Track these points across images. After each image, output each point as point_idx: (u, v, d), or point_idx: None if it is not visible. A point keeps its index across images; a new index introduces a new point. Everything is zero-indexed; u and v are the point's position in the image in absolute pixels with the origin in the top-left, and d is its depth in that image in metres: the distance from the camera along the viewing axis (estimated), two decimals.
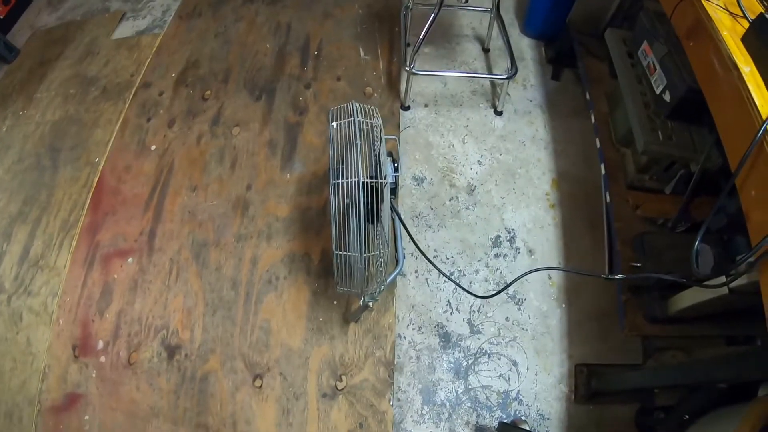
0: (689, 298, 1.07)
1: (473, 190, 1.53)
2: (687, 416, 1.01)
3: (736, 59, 0.75)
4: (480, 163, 1.58)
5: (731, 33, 0.79)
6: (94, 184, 1.63)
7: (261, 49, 1.88)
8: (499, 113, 1.67)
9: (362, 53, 1.81)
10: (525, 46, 1.88)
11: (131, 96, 1.83)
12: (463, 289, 1.19)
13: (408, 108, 1.65)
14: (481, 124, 1.67)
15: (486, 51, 1.83)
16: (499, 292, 1.19)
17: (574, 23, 1.71)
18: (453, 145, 1.61)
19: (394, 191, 1.13)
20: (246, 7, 2.05)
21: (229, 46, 1.91)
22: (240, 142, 1.64)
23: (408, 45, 1.74)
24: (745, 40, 0.78)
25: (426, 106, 1.69)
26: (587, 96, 1.59)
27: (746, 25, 0.80)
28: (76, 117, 1.84)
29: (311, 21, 1.94)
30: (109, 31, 2.12)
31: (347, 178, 0.94)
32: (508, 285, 1.16)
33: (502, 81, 1.62)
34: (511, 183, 1.55)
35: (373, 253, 1.00)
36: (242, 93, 1.76)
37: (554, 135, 1.65)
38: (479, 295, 1.21)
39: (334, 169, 0.98)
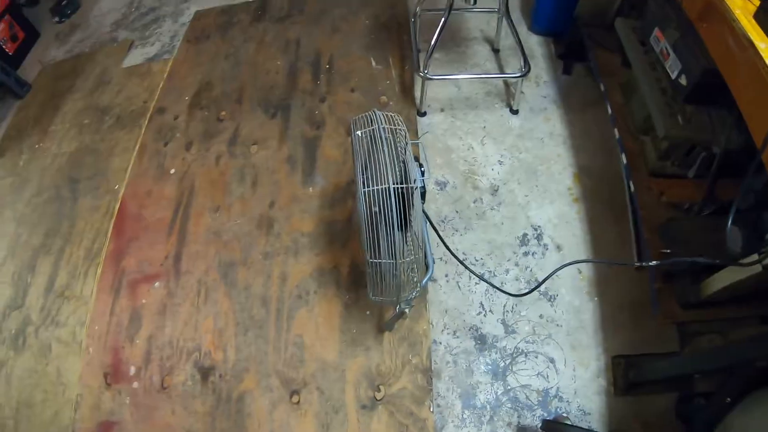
0: (723, 279, 1.09)
1: (496, 191, 1.58)
2: (728, 399, 1.04)
3: (751, 37, 0.80)
4: (501, 163, 1.64)
5: (743, 11, 0.84)
6: (116, 211, 1.71)
7: (272, 67, 1.97)
8: (515, 112, 1.73)
9: (374, 63, 1.89)
10: (534, 43, 1.94)
11: (146, 122, 1.91)
12: (497, 288, 1.23)
13: (424, 114, 1.72)
14: (498, 124, 1.72)
15: (496, 51, 1.90)
16: (532, 290, 1.23)
17: (582, 17, 1.78)
18: (472, 147, 1.67)
19: (423, 196, 1.18)
20: (254, 27, 2.14)
21: (240, 66, 2.00)
22: (259, 160, 1.71)
23: (419, 51, 1.82)
24: (758, 17, 0.81)
25: (442, 110, 1.76)
26: (601, 87, 1.65)
27: (757, 2, 0.85)
28: (92, 147, 1.93)
29: (320, 36, 2.03)
30: (119, 61, 2.22)
31: (376, 186, 0.99)
32: (541, 282, 1.20)
33: (515, 80, 1.69)
34: (534, 180, 1.60)
35: (407, 259, 1.05)
36: (257, 111, 1.84)
37: (571, 130, 1.70)
38: (513, 293, 1.26)
39: (361, 178, 1.04)
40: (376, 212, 0.99)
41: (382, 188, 0.97)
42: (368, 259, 1.02)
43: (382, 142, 1.01)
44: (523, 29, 1.97)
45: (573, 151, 1.65)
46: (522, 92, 1.74)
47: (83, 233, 1.69)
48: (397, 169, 1.06)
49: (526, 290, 1.22)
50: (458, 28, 1.99)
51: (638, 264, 1.30)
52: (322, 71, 1.88)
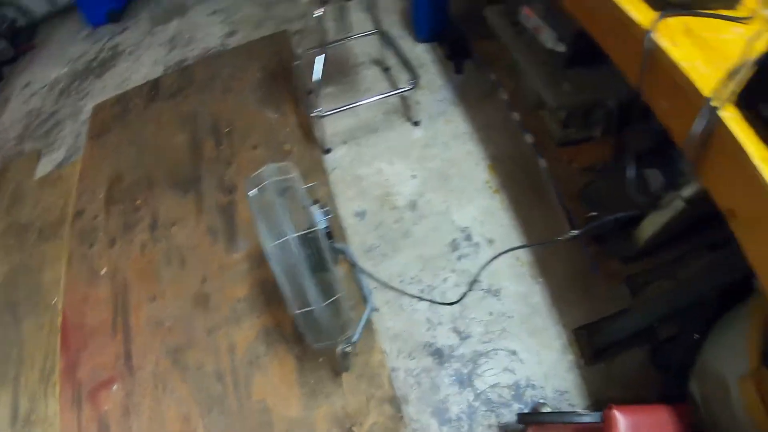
0: (651, 224, 1.15)
1: (415, 205, 1.66)
2: (696, 336, 1.06)
3: None
4: (413, 177, 1.72)
5: None
6: (59, 326, 1.75)
7: (174, 144, 2.04)
8: (416, 124, 1.82)
9: (271, 115, 1.98)
10: (421, 52, 2.05)
11: (68, 228, 1.97)
12: (434, 301, 1.30)
13: (329, 151, 1.80)
14: (402, 140, 1.81)
15: (386, 70, 2.00)
16: (466, 293, 1.30)
17: (458, 15, 1.91)
18: (382, 170, 1.75)
19: (330, 235, 1.25)
20: (150, 109, 2.22)
21: (145, 151, 2.06)
22: (181, 240, 1.77)
23: (310, 92, 1.91)
24: None
25: (345, 142, 1.83)
26: (492, 77, 1.77)
27: None
28: (22, 265, 1.96)
29: (213, 101, 2.11)
30: (31, 173, 2.27)
31: (280, 239, 1.05)
32: (473, 282, 1.27)
33: (407, 92, 1.80)
34: (449, 184, 1.68)
35: (331, 300, 1.11)
36: (170, 192, 1.90)
37: (474, 125, 1.79)
38: (450, 302, 1.33)
39: (267, 235, 1.08)
40: (292, 263, 1.05)
41: (285, 240, 1.03)
42: (295, 312, 1.07)
43: (275, 195, 1.08)
44: (408, 41, 2.07)
45: (482, 145, 1.74)
46: (418, 102, 1.84)
47: (33, 356, 1.72)
48: (298, 218, 1.13)
49: (466, 293, 1.27)
50: (345, 57, 2.09)
51: (565, 237, 1.38)
52: (222, 136, 1.95)
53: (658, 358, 1.29)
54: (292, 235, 1.00)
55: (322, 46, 1.58)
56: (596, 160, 1.52)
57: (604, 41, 0.94)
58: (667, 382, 1.23)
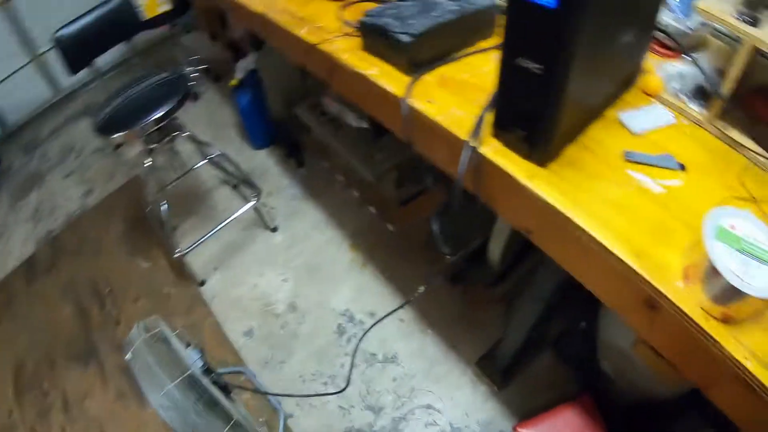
0: (495, 246, 1.35)
1: (295, 306, 1.88)
2: (583, 324, 1.25)
3: (361, 69, 0.99)
4: (285, 280, 1.94)
5: (352, 53, 1.05)
6: None
7: (62, 318, 2.18)
8: (274, 229, 2.05)
9: (143, 264, 2.17)
10: (263, 157, 2.31)
11: None
12: (326, 394, 1.44)
13: (203, 282, 2.00)
14: (266, 249, 2.03)
15: (235, 187, 2.24)
16: (350, 373, 1.47)
17: (280, 118, 2.18)
18: (256, 284, 1.95)
19: (208, 370, 1.41)
20: (31, 291, 2.33)
21: (37, 333, 2.19)
22: (96, 412, 1.91)
23: (175, 228, 2.12)
24: (365, 47, 1.03)
25: (216, 269, 2.04)
26: (325, 165, 2.04)
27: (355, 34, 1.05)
28: None
29: (88, 266, 2.25)
30: None
31: (162, 391, 1.20)
32: (353, 363, 1.46)
33: (257, 204, 2.04)
34: (319, 275, 1.90)
35: (229, 426, 1.24)
36: (71, 367, 2.05)
37: (326, 211, 2.04)
38: (337, 390, 1.47)
39: (151, 393, 1.10)
40: (182, 412, 1.19)
41: (165, 391, 1.17)
42: None
43: (148, 355, 1.22)
44: (249, 151, 2.32)
45: (338, 228, 1.99)
46: (272, 207, 2.08)
47: None
48: (174, 367, 1.28)
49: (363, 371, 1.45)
50: (194, 186, 2.31)
51: (423, 289, 1.63)
52: (105, 297, 2.11)
53: (562, 354, 1.49)
54: (170, 386, 1.07)
55: (163, 189, 1.77)
56: (438, 206, 1.77)
57: (375, 112, 1.10)
58: (578, 369, 1.42)
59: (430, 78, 0.94)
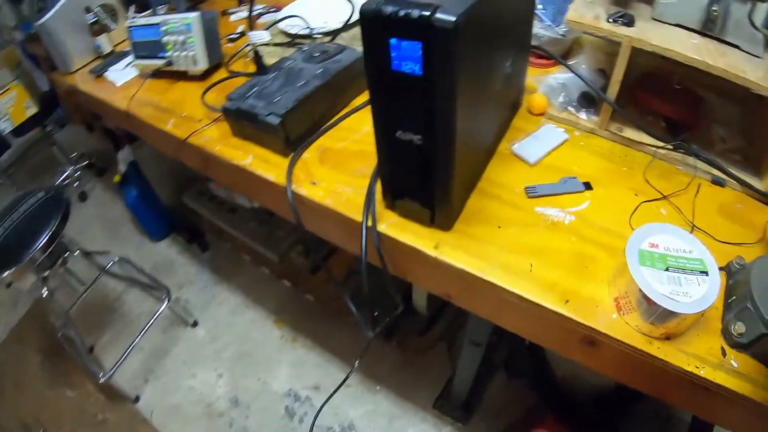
0: (419, 295, 1.37)
1: (236, 400, 1.71)
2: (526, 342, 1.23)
3: (236, 161, 0.91)
4: (220, 375, 1.76)
5: (224, 142, 0.97)
6: None
7: None
8: (194, 324, 1.88)
9: (70, 393, 1.82)
10: (165, 248, 2.12)
11: None
12: None
13: (138, 398, 1.73)
14: (191, 347, 1.84)
15: (144, 288, 2.04)
16: None
17: (174, 205, 2.02)
18: (191, 387, 1.76)
19: None
20: None
21: None
22: None
23: (91, 349, 1.87)
24: (234, 133, 0.95)
25: (147, 381, 1.78)
26: (227, 245, 1.90)
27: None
28: None
29: (13, 406, 1.83)
30: None
31: None
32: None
33: (169, 304, 1.85)
34: (253, 360, 1.74)
35: None
36: None
37: (242, 291, 1.91)
38: None
39: None
40: None
41: None
42: None
43: None
44: (148, 245, 2.13)
45: (259, 307, 1.87)
46: (187, 301, 1.90)
47: None
48: None
49: None
50: (101, 298, 2.04)
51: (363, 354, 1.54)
52: None
53: (514, 372, 1.51)
54: None
55: (68, 312, 1.60)
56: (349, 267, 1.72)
57: (262, 201, 1.08)
58: (532, 382, 1.43)
59: (309, 155, 0.88)
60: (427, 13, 0.46)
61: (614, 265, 0.67)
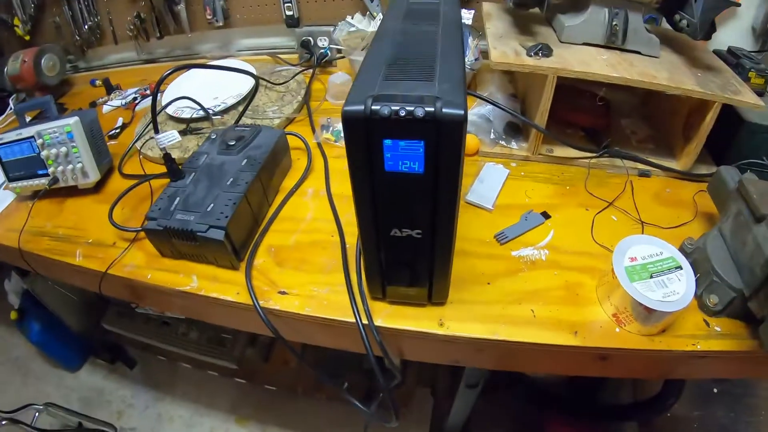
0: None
1: None
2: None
3: (179, 287, 0.79)
4: None
5: (154, 267, 0.84)
6: None
7: None
8: None
9: None
10: (87, 376, 1.82)
11: None
12: None
13: None
14: None
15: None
16: None
17: (87, 329, 1.75)
18: None
19: None
20: None
21: None
22: None
23: None
24: (164, 254, 0.84)
25: None
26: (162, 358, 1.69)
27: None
28: None
29: None
30: None
31: None
32: None
33: None
34: None
35: None
36: None
37: (189, 400, 1.72)
38: None
39: None
40: None
41: None
42: None
43: None
44: (68, 378, 1.83)
45: (215, 411, 1.69)
46: (132, 429, 1.66)
47: None
48: None
49: None
50: None
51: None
52: None
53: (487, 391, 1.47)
54: None
55: None
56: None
57: (222, 322, 0.96)
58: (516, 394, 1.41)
59: (261, 260, 0.79)
60: (432, 110, 0.42)
61: (602, 285, 0.70)
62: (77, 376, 1.83)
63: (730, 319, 0.65)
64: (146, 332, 1.46)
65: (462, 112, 0.44)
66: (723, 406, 1.28)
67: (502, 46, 0.85)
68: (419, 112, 0.43)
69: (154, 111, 0.84)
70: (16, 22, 1.44)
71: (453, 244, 0.58)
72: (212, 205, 0.78)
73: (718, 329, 0.65)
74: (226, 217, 0.75)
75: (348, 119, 0.44)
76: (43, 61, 1.37)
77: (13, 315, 1.58)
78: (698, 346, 0.63)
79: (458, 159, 0.47)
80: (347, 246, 0.76)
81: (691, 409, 1.27)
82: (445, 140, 0.46)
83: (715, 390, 1.31)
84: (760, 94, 0.86)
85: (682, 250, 0.71)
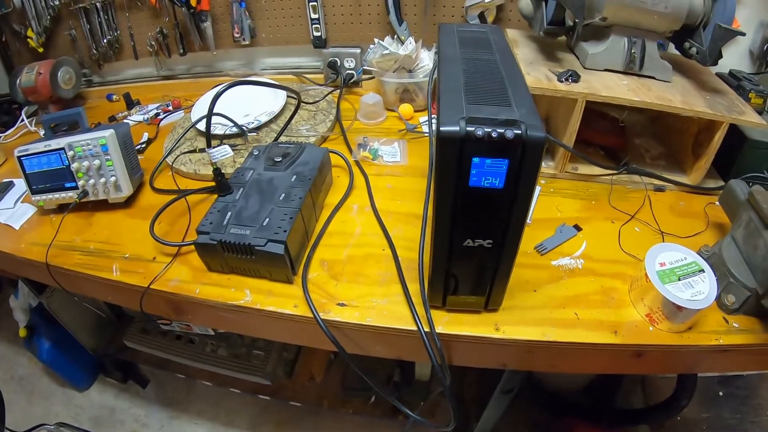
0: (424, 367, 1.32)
1: None
2: None
3: (232, 301, 0.81)
4: None
5: (201, 282, 0.86)
6: None
7: None
8: None
9: None
10: (98, 395, 1.78)
11: None
12: None
13: None
14: None
15: None
16: None
17: (99, 346, 1.74)
18: None
19: None
20: None
21: None
22: None
23: None
24: (211, 268, 0.86)
25: None
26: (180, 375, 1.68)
27: None
28: None
29: None
30: None
31: None
32: None
33: None
34: None
35: None
36: None
37: (206, 417, 1.73)
38: None
39: None
40: None
41: None
42: None
43: None
44: (77, 397, 1.80)
45: (229, 427, 1.69)
46: None
47: None
48: None
49: None
50: None
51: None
52: None
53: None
54: None
55: None
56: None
57: (275, 337, 0.99)
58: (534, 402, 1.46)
59: (315, 274, 0.81)
60: (520, 132, 0.48)
61: (634, 289, 0.77)
62: (87, 394, 1.81)
63: (746, 316, 0.72)
64: (171, 349, 1.46)
65: (543, 135, 0.50)
66: (729, 408, 1.35)
67: (535, 72, 0.93)
68: (509, 134, 0.49)
69: (209, 127, 0.88)
70: (29, 33, 1.45)
71: (516, 253, 0.63)
72: (267, 219, 0.82)
73: (736, 325, 0.71)
74: (285, 231, 0.79)
75: (445, 138, 0.49)
76: (59, 73, 1.39)
77: (23, 332, 1.56)
78: (720, 341, 0.69)
79: (535, 176, 0.54)
80: (400, 259, 0.80)
81: (700, 412, 1.34)
82: (527, 159, 0.52)
83: (721, 393, 1.38)
84: (759, 113, 0.95)
85: (699, 256, 0.78)
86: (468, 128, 0.49)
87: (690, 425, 1.34)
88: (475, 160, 0.53)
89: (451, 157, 0.53)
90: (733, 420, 1.33)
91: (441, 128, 0.51)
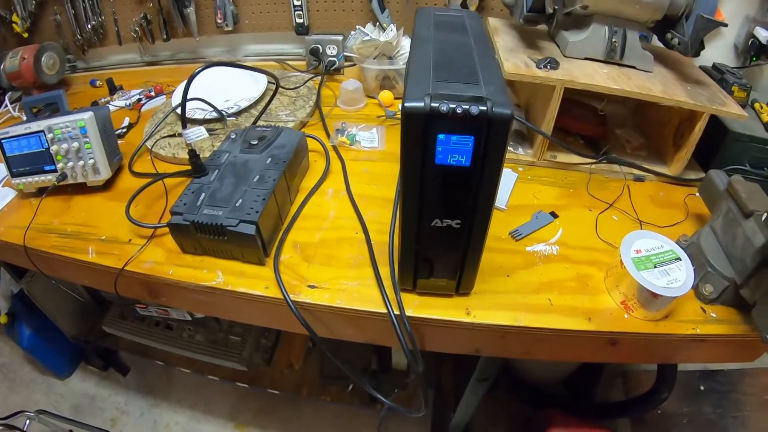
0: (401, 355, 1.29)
1: None
2: None
3: (204, 282, 0.80)
4: None
5: (174, 263, 0.84)
6: None
7: None
8: None
9: None
10: (78, 383, 1.77)
11: None
12: None
13: None
14: None
15: None
16: None
17: (81, 333, 1.72)
18: None
19: None
20: None
21: None
22: None
23: None
24: (185, 249, 0.84)
25: None
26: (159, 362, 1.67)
27: None
28: None
29: None
30: None
31: None
32: None
33: None
34: None
35: None
36: None
37: (184, 405, 1.71)
38: None
39: None
40: None
41: None
42: None
43: None
44: (58, 385, 1.78)
45: (212, 417, 1.67)
46: None
47: None
48: None
49: None
50: None
51: None
52: None
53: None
54: None
55: None
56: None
57: (244, 319, 0.97)
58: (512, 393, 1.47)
59: (287, 256, 0.81)
60: (485, 108, 0.47)
61: (610, 276, 0.77)
62: (67, 383, 1.80)
63: (724, 306, 0.72)
64: (149, 335, 1.45)
65: (510, 111, 0.50)
66: (710, 403, 1.36)
67: (514, 58, 0.92)
68: (474, 110, 0.49)
69: (184, 107, 0.87)
70: (14, 18, 1.44)
71: (486, 235, 0.63)
72: (240, 200, 0.81)
73: (713, 315, 0.71)
74: (257, 212, 0.78)
75: (409, 114, 0.49)
76: (43, 58, 1.38)
77: (3, 319, 1.55)
78: (697, 330, 0.69)
79: (502, 154, 0.53)
80: (372, 242, 0.80)
81: (681, 406, 1.35)
82: (493, 136, 0.51)
83: (702, 387, 1.39)
84: (742, 106, 0.95)
85: (677, 245, 0.78)
86: (433, 104, 0.48)
87: (671, 419, 1.34)
88: (441, 136, 0.52)
89: (416, 134, 0.52)
90: (714, 415, 1.34)
91: (405, 103, 0.50)
